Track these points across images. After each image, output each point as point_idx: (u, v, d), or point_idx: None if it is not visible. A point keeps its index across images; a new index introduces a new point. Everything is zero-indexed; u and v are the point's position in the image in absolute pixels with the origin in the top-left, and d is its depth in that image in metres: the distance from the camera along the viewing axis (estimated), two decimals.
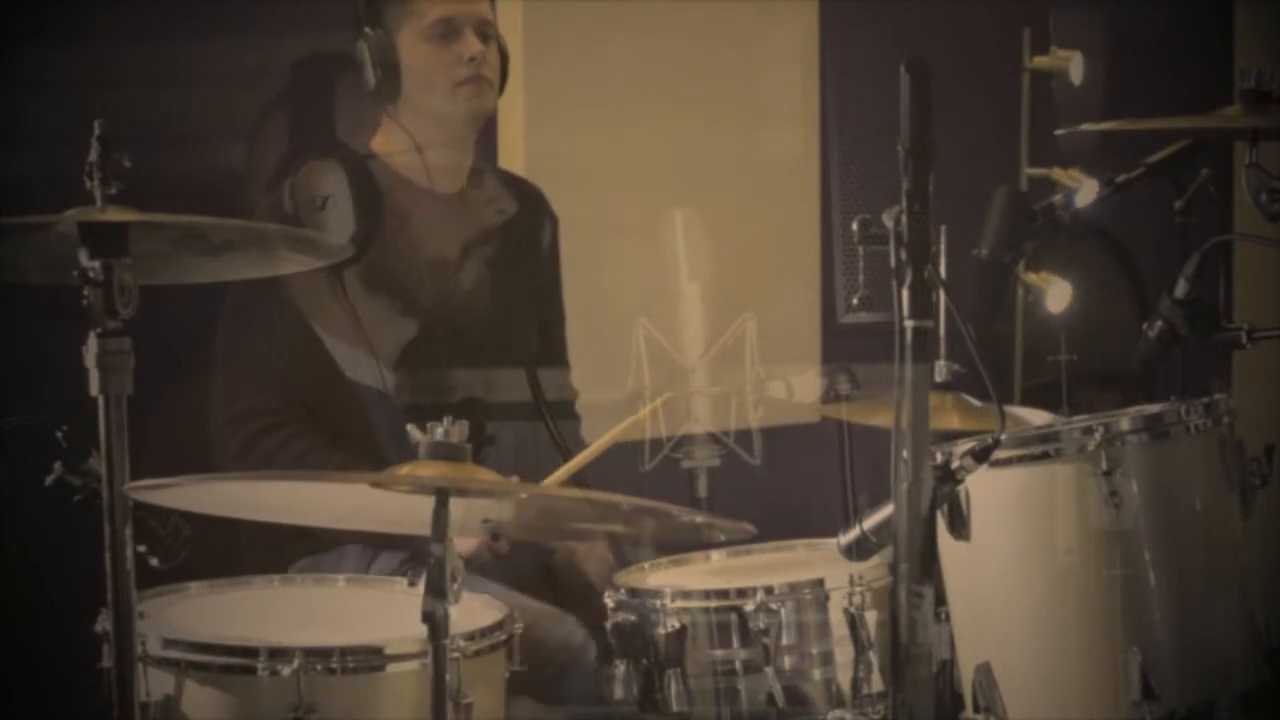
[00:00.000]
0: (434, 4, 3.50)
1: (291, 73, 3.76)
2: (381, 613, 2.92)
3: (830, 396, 4.19)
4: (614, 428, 3.32)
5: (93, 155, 2.51)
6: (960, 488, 2.71)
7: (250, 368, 3.42)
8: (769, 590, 2.99)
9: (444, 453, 2.42)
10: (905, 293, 2.31)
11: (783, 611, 2.99)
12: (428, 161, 3.55)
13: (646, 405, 3.70)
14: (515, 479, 2.95)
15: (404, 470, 2.41)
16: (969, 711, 2.94)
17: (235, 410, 3.39)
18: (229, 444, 3.38)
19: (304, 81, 3.76)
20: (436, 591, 2.36)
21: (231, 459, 3.35)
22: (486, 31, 3.54)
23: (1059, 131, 4.26)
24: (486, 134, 3.70)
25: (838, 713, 2.99)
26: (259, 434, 3.37)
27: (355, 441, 3.41)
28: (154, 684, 2.65)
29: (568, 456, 3.53)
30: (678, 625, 3.00)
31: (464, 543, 3.16)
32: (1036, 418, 3.18)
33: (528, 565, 3.43)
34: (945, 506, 2.82)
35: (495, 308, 3.56)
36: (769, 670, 2.98)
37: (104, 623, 2.60)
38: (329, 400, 3.43)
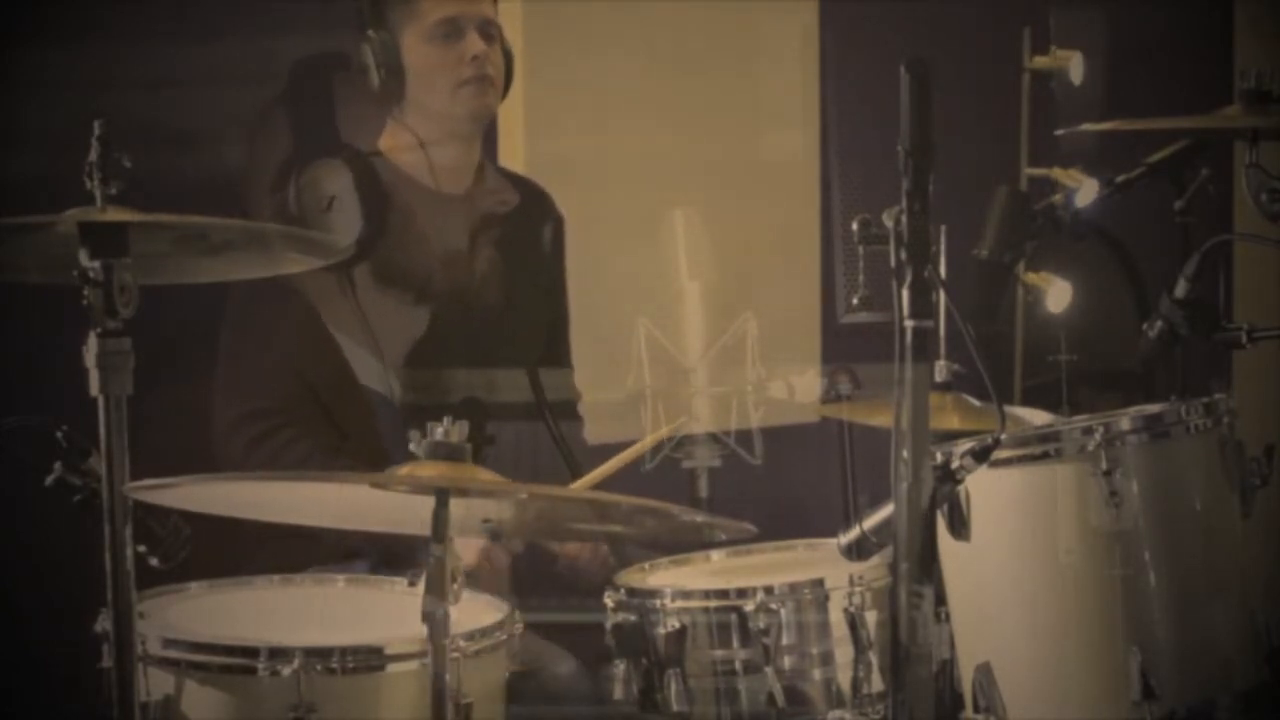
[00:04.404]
0: (436, 5, 3.50)
1: (290, 74, 3.76)
2: (381, 613, 2.91)
3: (830, 396, 4.19)
4: (626, 440, 3.33)
5: (93, 155, 2.51)
6: (960, 488, 2.70)
7: (255, 367, 3.41)
8: (769, 590, 2.99)
9: (444, 453, 2.42)
10: (905, 293, 2.31)
11: (783, 611, 2.98)
12: (433, 162, 3.54)
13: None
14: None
15: (404, 470, 2.41)
16: (969, 711, 2.93)
17: (239, 411, 3.38)
18: (233, 446, 3.37)
19: (303, 82, 3.76)
20: (436, 591, 2.36)
21: (235, 461, 3.34)
22: (490, 31, 3.54)
23: (1059, 131, 4.25)
24: (487, 134, 3.70)
25: (838, 713, 2.99)
26: (263, 436, 3.36)
27: (361, 443, 3.40)
28: (154, 684, 2.65)
29: (569, 458, 3.53)
30: (678, 625, 3.00)
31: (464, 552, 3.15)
32: (1036, 418, 3.18)
33: (523, 579, 3.41)
34: (945, 506, 2.81)
35: (505, 301, 3.56)
36: (769, 670, 2.97)
37: (104, 623, 2.60)
38: (340, 398, 3.43)
